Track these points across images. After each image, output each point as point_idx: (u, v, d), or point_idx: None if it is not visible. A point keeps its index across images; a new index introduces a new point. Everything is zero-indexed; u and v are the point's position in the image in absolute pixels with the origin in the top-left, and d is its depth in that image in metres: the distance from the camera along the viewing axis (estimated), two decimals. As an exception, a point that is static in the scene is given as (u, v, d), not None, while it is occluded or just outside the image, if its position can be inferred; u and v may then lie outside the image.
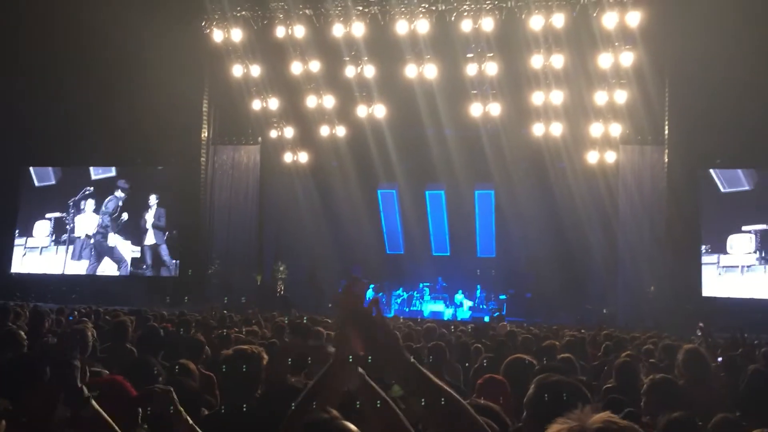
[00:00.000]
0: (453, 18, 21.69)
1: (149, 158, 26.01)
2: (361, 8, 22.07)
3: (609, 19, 20.74)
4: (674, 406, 3.62)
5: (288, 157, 25.51)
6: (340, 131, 24.37)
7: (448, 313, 23.05)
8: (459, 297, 23.62)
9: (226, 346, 5.95)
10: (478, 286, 23.71)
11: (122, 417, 2.60)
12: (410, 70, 22.32)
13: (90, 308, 12.95)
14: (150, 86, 22.28)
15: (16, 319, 7.94)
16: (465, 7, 21.47)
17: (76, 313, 11.15)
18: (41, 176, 27.25)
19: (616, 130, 22.45)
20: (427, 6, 21.71)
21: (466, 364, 7.53)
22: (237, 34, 23.21)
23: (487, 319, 21.63)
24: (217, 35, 23.39)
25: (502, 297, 23.45)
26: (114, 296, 21.96)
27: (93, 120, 24.15)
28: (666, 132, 22.39)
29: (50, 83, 23.86)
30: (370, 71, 22.79)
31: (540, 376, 2.87)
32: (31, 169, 27.24)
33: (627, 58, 21.12)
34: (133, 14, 21.96)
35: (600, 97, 21.99)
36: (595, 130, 22.44)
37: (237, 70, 23.75)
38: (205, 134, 25.32)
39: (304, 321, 10.30)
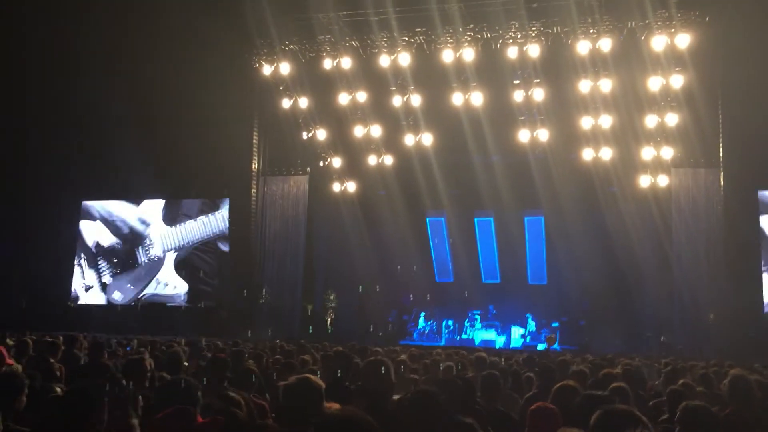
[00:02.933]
0: (499, 45, 21.74)
1: (202, 190, 26.58)
2: (406, 38, 22.30)
3: (658, 42, 20.48)
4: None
5: (336, 187, 25.76)
6: (388, 160, 24.52)
7: (500, 341, 22.76)
8: (530, 324, 23.22)
9: (285, 376, 6.01)
10: (529, 315, 23.36)
11: None
12: (457, 98, 22.40)
13: (147, 339, 13.21)
14: (202, 120, 22.94)
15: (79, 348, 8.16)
16: (510, 34, 21.48)
17: (135, 342, 11.39)
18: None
19: (667, 153, 22.07)
20: (472, 34, 21.80)
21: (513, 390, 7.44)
22: (285, 68, 23.68)
23: (541, 347, 21.32)
24: (266, 69, 23.89)
25: (555, 325, 23.05)
26: (169, 326, 22.40)
27: (146, 154, 24.86)
28: (720, 154, 21.91)
29: (104, 118, 24.68)
30: (416, 100, 22.94)
31: (604, 406, 2.89)
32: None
33: (677, 81, 20.79)
34: (185, 51, 22.69)
35: (650, 121, 21.66)
36: (647, 153, 22.10)
37: (285, 103, 24.17)
38: (255, 165, 25.79)
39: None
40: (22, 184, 25.82)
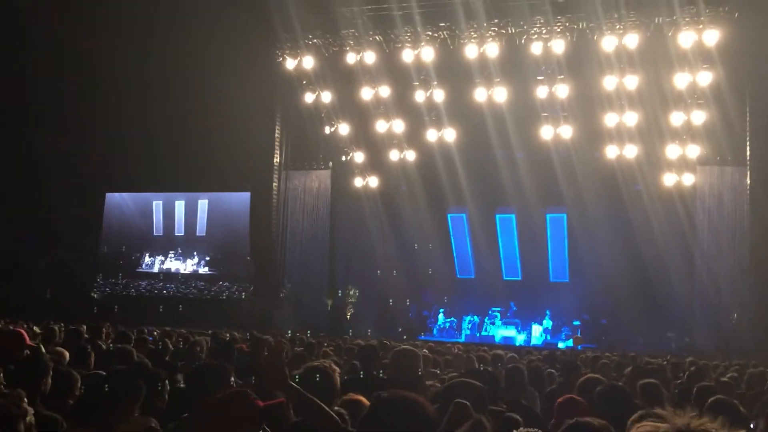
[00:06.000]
0: (523, 41, 21.59)
1: (224, 184, 26.71)
2: (430, 33, 22.23)
3: (685, 39, 20.22)
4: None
5: (358, 182, 25.74)
6: (410, 155, 24.45)
7: (520, 338, 22.62)
8: (547, 322, 23.06)
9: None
10: (548, 312, 23.20)
11: (247, 426, 2.70)
12: (480, 94, 22.28)
13: (167, 330, 13.31)
14: (225, 114, 23.02)
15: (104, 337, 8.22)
16: (535, 29, 21.34)
17: (156, 333, 11.46)
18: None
19: (693, 151, 21.77)
20: (496, 29, 21.68)
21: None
22: (309, 62, 23.70)
23: (561, 345, 21.18)
24: (290, 63, 23.92)
25: (576, 323, 22.87)
26: (189, 318, 22.55)
27: (168, 147, 25.02)
28: (747, 151, 21.57)
29: (127, 111, 24.86)
30: (439, 95, 22.87)
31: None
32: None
33: (705, 78, 20.50)
34: (209, 45, 22.77)
35: (676, 118, 21.39)
36: (672, 151, 21.82)
37: (308, 97, 24.21)
38: (277, 159, 25.85)
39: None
40: (47, 178, 26.11)
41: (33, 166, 25.85)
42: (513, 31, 21.62)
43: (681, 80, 20.74)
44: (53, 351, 6.37)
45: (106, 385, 3.40)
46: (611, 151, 22.17)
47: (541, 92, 21.92)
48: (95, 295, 27.45)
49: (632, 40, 20.52)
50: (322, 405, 3.08)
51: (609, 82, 21.15)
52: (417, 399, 2.34)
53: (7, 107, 25.11)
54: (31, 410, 3.30)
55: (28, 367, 4.51)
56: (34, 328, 9.68)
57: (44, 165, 25.94)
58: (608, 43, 20.71)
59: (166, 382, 4.09)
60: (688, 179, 22.21)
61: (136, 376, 3.51)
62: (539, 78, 21.95)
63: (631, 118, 21.51)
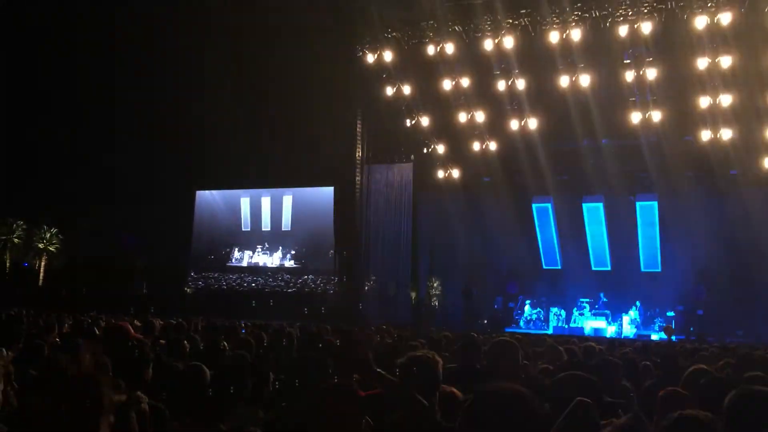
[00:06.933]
0: (608, 24, 20.95)
1: (308, 179, 27.18)
2: (511, 21, 21.86)
3: (784, 13, 19.13)
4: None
5: (440, 174, 25.64)
6: (492, 146, 24.17)
7: (610, 330, 21.99)
8: (635, 313, 22.35)
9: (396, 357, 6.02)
10: (637, 303, 22.42)
11: (351, 416, 2.74)
12: (563, 80, 21.77)
13: (258, 323, 13.65)
14: (308, 111, 23.42)
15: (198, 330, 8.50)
16: (621, 11, 20.65)
17: (247, 325, 11.76)
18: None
19: (795, 132, 20.61)
20: (579, 14, 21.11)
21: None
22: (388, 56, 23.74)
23: (655, 337, 20.48)
24: (370, 58, 24.04)
25: (670, 314, 22.05)
26: (276, 312, 23.11)
27: (254, 145, 25.65)
28: None
29: (216, 112, 25.62)
30: (521, 84, 22.47)
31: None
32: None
33: (806, 54, 19.35)
34: (293, 45, 23.21)
35: (776, 98, 20.28)
36: (771, 133, 20.72)
37: (388, 90, 24.25)
38: (359, 154, 26.06)
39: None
40: (142, 179, 27.27)
41: (130, 169, 27.06)
42: (597, 14, 21.02)
43: (780, 58, 19.64)
44: (153, 343, 6.64)
45: (214, 379, 3.49)
46: (704, 135, 21.27)
47: (629, 76, 21.23)
48: (188, 290, 28.48)
49: (726, 17, 19.56)
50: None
51: (701, 63, 20.26)
52: (523, 392, 2.23)
53: (102, 112, 26.37)
54: (145, 398, 3.43)
55: (132, 358, 4.71)
56: (135, 321, 10.12)
57: (140, 166, 27.11)
58: (700, 21, 19.83)
59: (270, 374, 4.20)
60: (790, 162, 21.04)
61: (241, 369, 3.61)
62: (626, 62, 21.27)
63: (726, 100, 20.54)
